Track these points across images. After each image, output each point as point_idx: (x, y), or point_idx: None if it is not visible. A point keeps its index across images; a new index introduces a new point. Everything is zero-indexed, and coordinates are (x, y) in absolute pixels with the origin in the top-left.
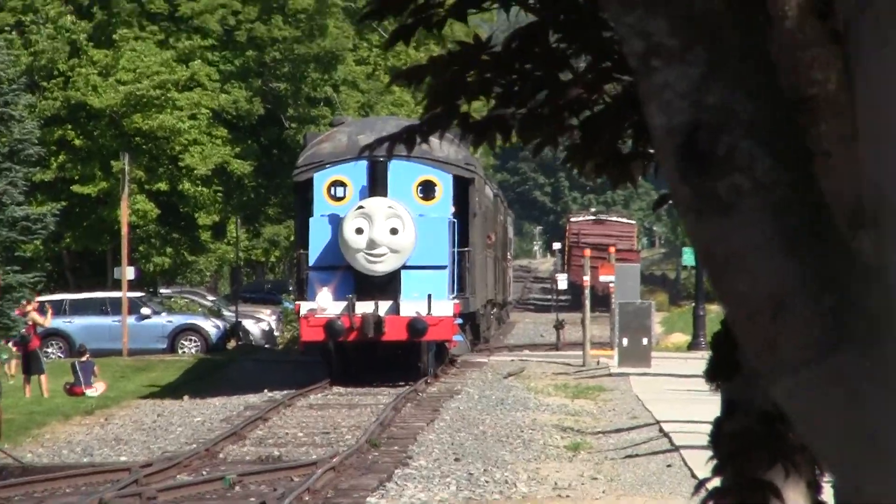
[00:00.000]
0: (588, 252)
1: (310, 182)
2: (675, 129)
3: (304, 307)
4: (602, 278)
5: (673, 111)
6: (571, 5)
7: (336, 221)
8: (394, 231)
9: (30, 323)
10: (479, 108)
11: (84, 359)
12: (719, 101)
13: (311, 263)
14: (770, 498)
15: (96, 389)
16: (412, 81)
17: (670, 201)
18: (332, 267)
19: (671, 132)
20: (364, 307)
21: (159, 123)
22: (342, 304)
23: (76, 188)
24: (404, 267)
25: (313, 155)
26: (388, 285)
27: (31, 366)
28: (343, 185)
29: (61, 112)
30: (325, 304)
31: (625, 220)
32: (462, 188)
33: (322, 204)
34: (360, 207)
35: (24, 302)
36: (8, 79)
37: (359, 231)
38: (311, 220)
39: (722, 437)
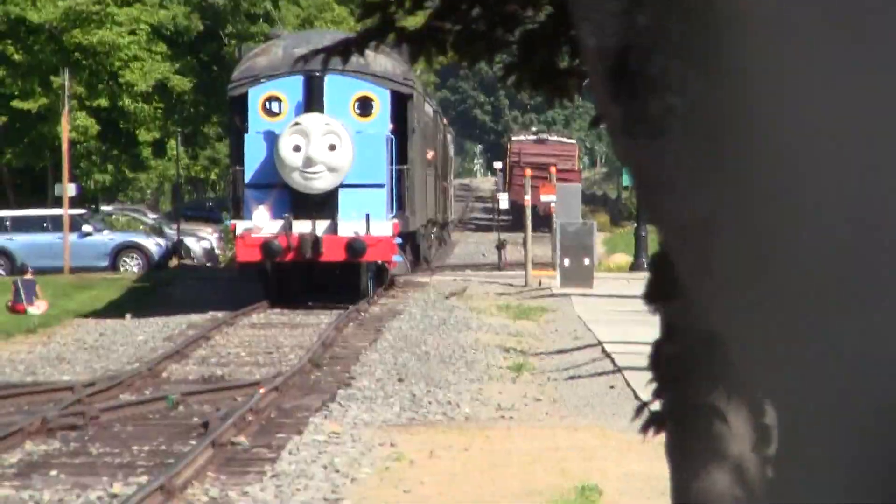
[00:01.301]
0: (529, 172)
1: (244, 97)
2: (606, 49)
3: (241, 226)
4: (543, 198)
5: (604, 31)
6: None
7: (272, 138)
8: (331, 148)
9: None
10: (415, 24)
11: (27, 276)
12: (651, 22)
13: (246, 181)
14: (712, 420)
15: (38, 308)
16: None
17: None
18: (268, 185)
19: (602, 53)
20: (301, 227)
21: (99, 39)
22: (279, 224)
23: (16, 103)
24: (342, 185)
25: (248, 69)
26: (325, 204)
27: None
28: (278, 100)
29: (0, 27)
30: (262, 223)
31: (566, 139)
32: (400, 104)
33: (257, 120)
34: (297, 124)
35: None
36: None
37: (296, 148)
38: (245, 136)
39: (662, 360)
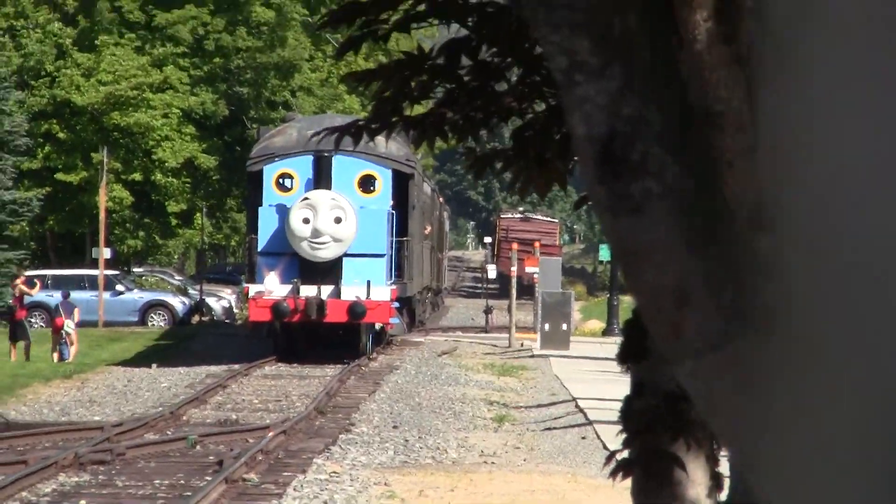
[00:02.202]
0: (516, 246)
1: (260, 173)
2: (595, 137)
3: (253, 289)
4: (527, 269)
5: (593, 121)
6: (504, 24)
7: (283, 211)
8: (337, 220)
9: (17, 294)
10: (419, 111)
11: (67, 300)
12: (634, 113)
13: (259, 249)
14: (673, 468)
15: (71, 327)
16: (362, 83)
17: (589, 202)
18: (279, 253)
19: (591, 140)
20: (308, 291)
21: (135, 121)
22: (288, 288)
23: (60, 176)
24: (346, 255)
25: (265, 148)
26: (330, 271)
27: (17, 333)
28: (290, 177)
29: (48, 108)
30: (272, 286)
31: (549, 218)
32: (402, 182)
33: (271, 194)
34: (306, 199)
35: (16, 277)
36: (0, 77)
37: (305, 221)
38: (259, 209)
39: (631, 414)
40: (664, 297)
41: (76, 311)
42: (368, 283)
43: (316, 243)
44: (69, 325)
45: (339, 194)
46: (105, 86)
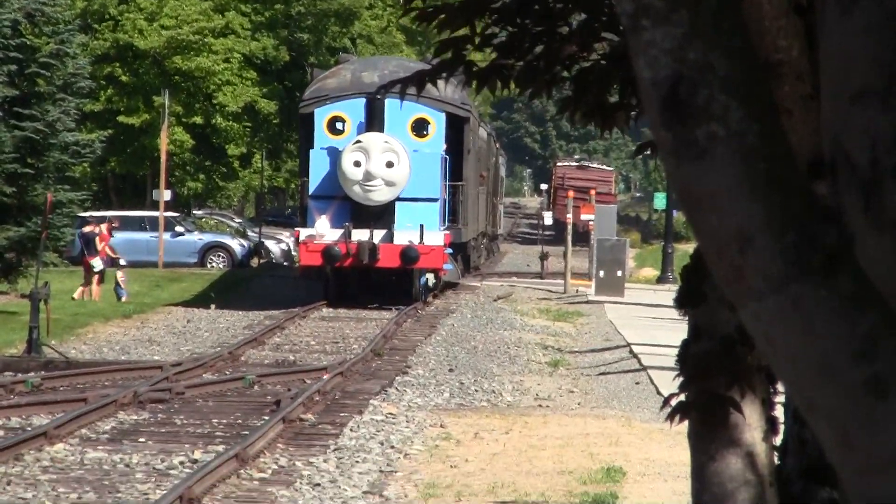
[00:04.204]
0: (571, 193)
1: (311, 116)
2: (660, 81)
3: (304, 233)
4: (583, 217)
5: (658, 66)
6: None
7: (335, 154)
8: (389, 164)
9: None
10: (481, 60)
11: (85, 229)
12: (699, 58)
13: (310, 192)
14: (730, 411)
15: (98, 263)
16: (427, 20)
17: (647, 150)
18: (331, 196)
19: (656, 84)
20: (360, 235)
21: (197, 65)
22: (339, 232)
23: (122, 118)
24: (398, 199)
25: (317, 90)
26: (382, 215)
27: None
28: (342, 120)
29: (110, 51)
30: (323, 230)
31: (604, 167)
32: (456, 126)
33: (322, 137)
34: (358, 142)
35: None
36: (64, 20)
37: (356, 164)
38: (311, 151)
39: (688, 358)
40: (727, 241)
41: (98, 239)
42: (421, 227)
43: (368, 186)
44: (96, 264)
45: (392, 137)
46: (167, 30)
